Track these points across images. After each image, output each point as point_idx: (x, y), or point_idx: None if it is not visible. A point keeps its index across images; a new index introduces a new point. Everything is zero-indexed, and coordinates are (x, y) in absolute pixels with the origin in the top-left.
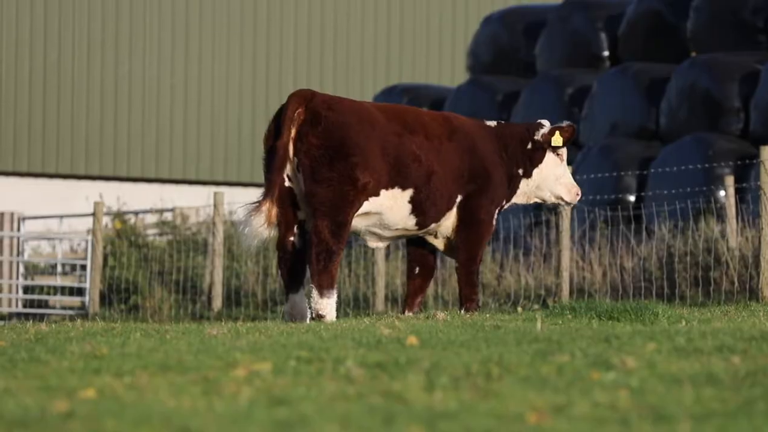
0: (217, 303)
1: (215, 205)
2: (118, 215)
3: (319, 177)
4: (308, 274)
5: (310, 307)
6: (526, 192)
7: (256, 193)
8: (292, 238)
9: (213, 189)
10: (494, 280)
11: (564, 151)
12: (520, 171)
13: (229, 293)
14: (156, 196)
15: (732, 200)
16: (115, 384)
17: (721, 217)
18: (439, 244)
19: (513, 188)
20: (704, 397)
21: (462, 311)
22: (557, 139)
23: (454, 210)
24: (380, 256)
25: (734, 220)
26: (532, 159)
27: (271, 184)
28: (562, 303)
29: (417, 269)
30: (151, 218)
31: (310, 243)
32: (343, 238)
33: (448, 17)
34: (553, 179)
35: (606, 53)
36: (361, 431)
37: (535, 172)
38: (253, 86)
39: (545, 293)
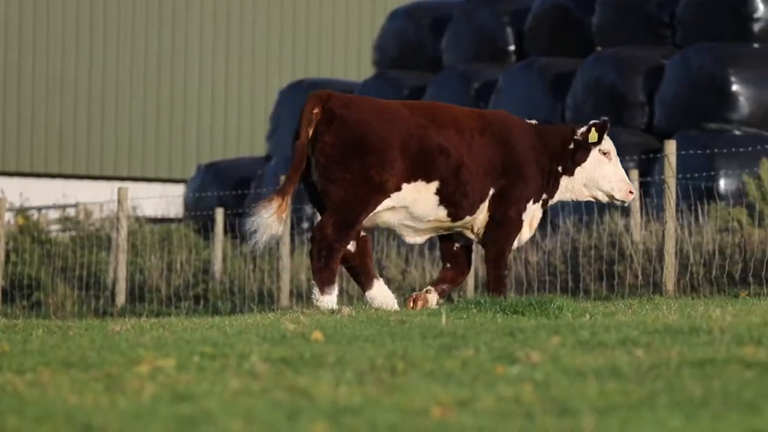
0: (121, 299)
1: (119, 201)
2: (21, 211)
3: (333, 176)
4: (371, 267)
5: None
6: (571, 189)
7: (160, 189)
8: (349, 246)
9: (117, 184)
10: (399, 275)
11: (612, 150)
12: (560, 168)
13: (133, 289)
14: (59, 192)
15: (636, 194)
16: (16, 381)
17: (625, 211)
18: (476, 238)
19: (553, 185)
20: (608, 391)
21: (435, 297)
22: (593, 136)
23: (486, 204)
24: (285, 252)
25: (638, 214)
26: (575, 158)
27: (287, 181)
28: (467, 297)
29: (448, 265)
30: (54, 214)
31: (312, 238)
32: (348, 237)
33: (355, 12)
34: (599, 178)
35: (512, 48)
36: (265, 427)
37: (578, 170)
38: (158, 81)
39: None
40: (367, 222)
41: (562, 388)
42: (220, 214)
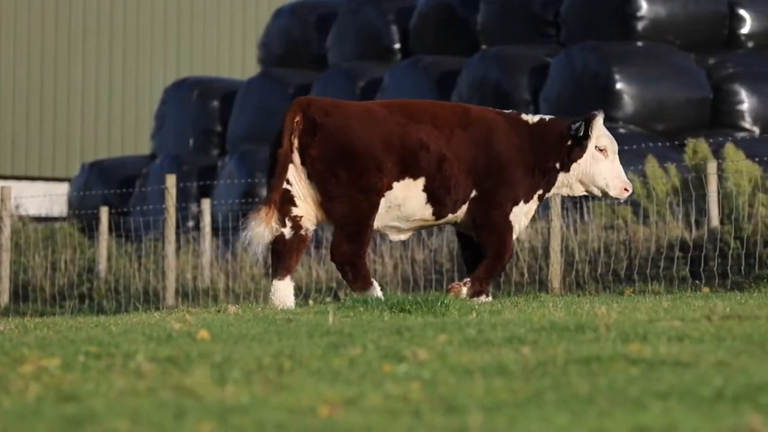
0: (4, 298)
1: (2, 200)
2: None
3: (329, 194)
4: (297, 263)
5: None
6: (567, 185)
7: (44, 187)
8: (283, 230)
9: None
10: None
11: (609, 146)
12: (557, 165)
13: (17, 288)
14: None
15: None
16: None
17: None
18: (472, 234)
19: (549, 181)
20: (495, 388)
21: (466, 288)
22: (579, 129)
23: (468, 204)
24: (171, 250)
25: None
26: (570, 154)
27: (271, 189)
28: (353, 296)
29: (468, 253)
30: None
31: (332, 259)
32: (363, 244)
33: (239, 10)
34: (594, 174)
35: (397, 46)
36: (151, 426)
37: (573, 166)
38: (41, 78)
39: (337, 286)
40: None
41: (449, 386)
42: (104, 212)
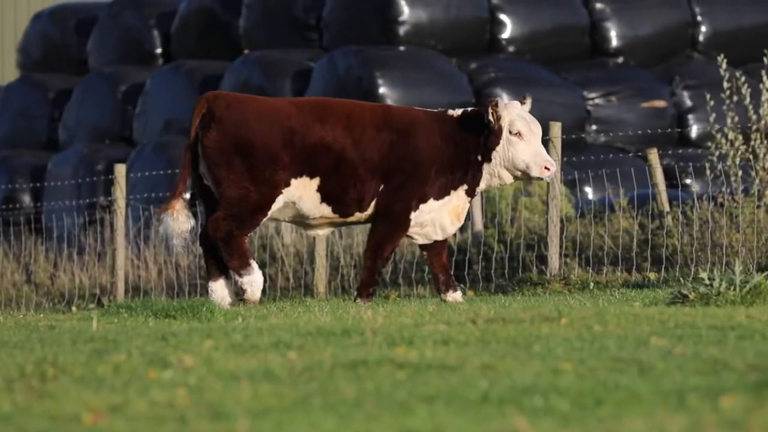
0: None
1: None
2: None
3: (218, 178)
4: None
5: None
6: (496, 175)
7: None
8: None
9: None
10: (48, 280)
11: (523, 128)
12: (479, 157)
13: None
14: None
15: None
16: None
17: None
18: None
19: (475, 174)
20: (262, 393)
21: (356, 298)
22: (489, 116)
23: (376, 198)
24: None
25: None
26: (487, 143)
27: (177, 180)
28: (117, 302)
29: (432, 259)
30: None
31: (205, 235)
32: (244, 228)
33: None
34: (513, 158)
35: (159, 50)
36: None
37: (493, 154)
38: None
39: (100, 292)
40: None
41: (216, 391)
42: None
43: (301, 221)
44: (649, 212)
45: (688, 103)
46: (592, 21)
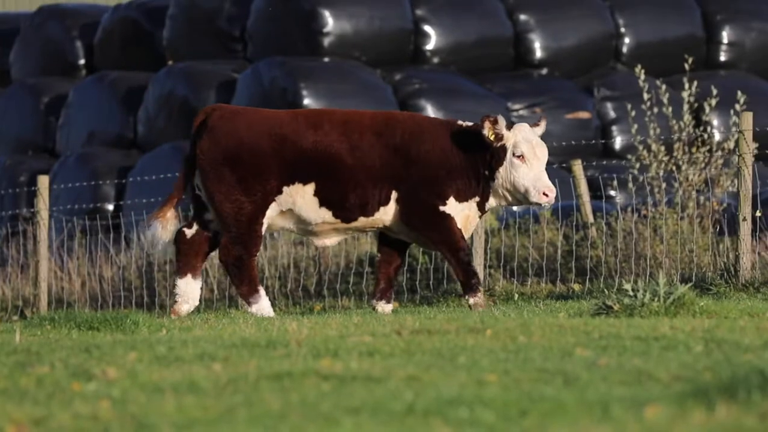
0: None
1: None
2: None
3: (210, 192)
4: (201, 263)
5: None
6: (500, 195)
7: None
8: (186, 230)
9: None
10: None
11: (528, 152)
12: (486, 172)
13: None
14: None
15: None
16: None
17: None
18: (405, 238)
19: (485, 189)
20: (186, 406)
21: (467, 302)
22: (486, 132)
23: (392, 205)
24: None
25: None
26: (492, 161)
27: (173, 189)
28: (40, 314)
29: (382, 265)
30: None
31: (220, 261)
32: (251, 246)
33: None
34: (514, 181)
35: (82, 62)
36: None
37: (496, 174)
38: None
39: (23, 304)
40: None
41: (140, 404)
42: None
43: (305, 229)
44: (574, 223)
45: (612, 114)
46: (516, 32)
